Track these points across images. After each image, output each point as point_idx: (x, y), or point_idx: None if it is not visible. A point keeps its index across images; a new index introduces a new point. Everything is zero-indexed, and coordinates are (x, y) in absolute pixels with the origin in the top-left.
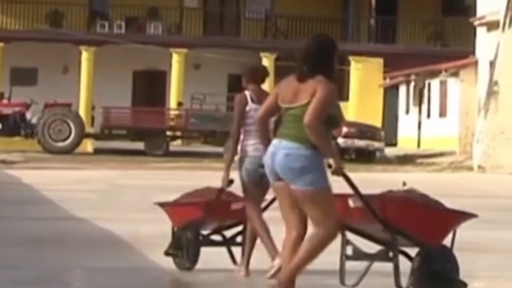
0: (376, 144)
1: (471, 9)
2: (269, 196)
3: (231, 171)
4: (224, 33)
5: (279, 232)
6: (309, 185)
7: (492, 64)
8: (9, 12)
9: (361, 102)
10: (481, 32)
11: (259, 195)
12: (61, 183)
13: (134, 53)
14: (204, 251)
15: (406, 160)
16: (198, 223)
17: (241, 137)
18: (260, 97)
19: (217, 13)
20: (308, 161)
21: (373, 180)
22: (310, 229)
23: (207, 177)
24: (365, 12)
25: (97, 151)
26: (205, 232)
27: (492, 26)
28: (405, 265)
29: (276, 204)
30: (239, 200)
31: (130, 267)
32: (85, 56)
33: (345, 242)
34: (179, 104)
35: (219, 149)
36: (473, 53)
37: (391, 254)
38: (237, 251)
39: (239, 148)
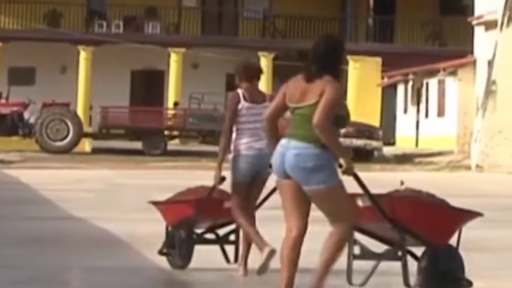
0: (374, 144)
1: (469, 9)
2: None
3: (223, 170)
4: (222, 32)
5: (279, 231)
6: (321, 183)
7: (490, 63)
8: (7, 12)
9: (359, 102)
10: (479, 31)
11: (248, 193)
12: (59, 183)
13: (132, 53)
14: (203, 250)
15: (404, 159)
16: (191, 222)
17: (234, 135)
18: (253, 95)
19: (215, 12)
20: (318, 160)
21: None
22: (310, 229)
23: (205, 176)
24: (363, 11)
25: (95, 151)
26: (199, 231)
27: (490, 25)
28: (409, 264)
29: (275, 204)
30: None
31: (128, 267)
32: (83, 55)
33: (353, 242)
34: (175, 103)
35: (217, 149)
36: (471, 52)
37: (399, 253)
38: (230, 249)
39: (232, 147)
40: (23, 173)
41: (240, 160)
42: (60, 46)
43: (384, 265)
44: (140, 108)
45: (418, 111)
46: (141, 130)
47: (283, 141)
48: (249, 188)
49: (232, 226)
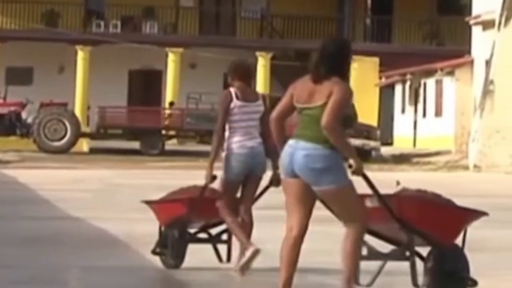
0: (372, 143)
1: (467, 8)
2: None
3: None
4: (220, 32)
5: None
6: (331, 184)
7: (487, 63)
8: (5, 12)
9: (357, 102)
10: (476, 31)
11: (237, 193)
12: (57, 183)
13: (130, 53)
14: (203, 249)
15: (402, 159)
16: (184, 221)
17: (227, 134)
18: (246, 93)
19: (213, 12)
20: (328, 161)
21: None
22: (310, 229)
23: (203, 176)
24: (360, 11)
25: (93, 151)
26: (192, 230)
27: (487, 25)
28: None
29: (275, 203)
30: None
31: (126, 266)
32: (81, 55)
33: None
34: (170, 103)
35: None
36: (469, 52)
37: (406, 253)
38: (222, 248)
39: (225, 145)
40: (21, 173)
41: (232, 158)
42: (57, 46)
43: (390, 265)
44: (138, 108)
45: (415, 111)
46: (139, 130)
47: (291, 142)
48: (239, 187)
49: (225, 226)
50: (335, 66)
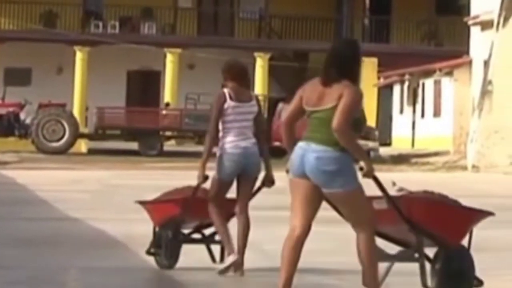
0: (371, 144)
1: (465, 9)
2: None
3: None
4: (218, 33)
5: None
6: (341, 187)
7: (486, 63)
8: (3, 12)
9: None
10: (475, 31)
11: (227, 192)
12: (55, 184)
13: (128, 53)
14: (201, 249)
15: (400, 159)
16: (178, 221)
17: (220, 134)
18: (239, 94)
19: (211, 13)
20: (339, 164)
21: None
22: (312, 229)
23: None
24: (359, 11)
25: (91, 151)
26: (186, 231)
27: (486, 25)
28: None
29: (275, 203)
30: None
31: (124, 267)
32: (79, 56)
33: None
34: (167, 104)
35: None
36: (467, 52)
37: (415, 255)
38: (215, 248)
39: (219, 145)
40: (19, 174)
41: (225, 158)
42: (56, 46)
43: (397, 265)
44: (136, 109)
45: (414, 111)
46: (137, 130)
47: (301, 144)
48: (231, 187)
49: None
50: (346, 68)
